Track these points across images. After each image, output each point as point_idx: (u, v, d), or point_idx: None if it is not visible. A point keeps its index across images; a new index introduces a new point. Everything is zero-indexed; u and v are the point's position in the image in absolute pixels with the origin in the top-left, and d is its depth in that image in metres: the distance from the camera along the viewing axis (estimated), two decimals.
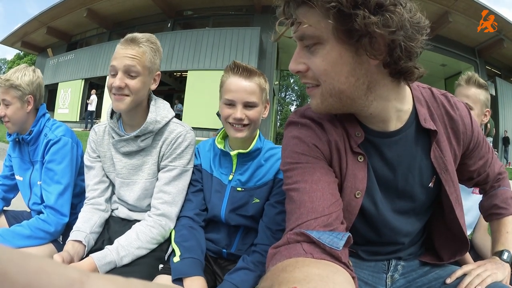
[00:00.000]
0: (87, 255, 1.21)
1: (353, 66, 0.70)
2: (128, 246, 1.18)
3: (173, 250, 1.17)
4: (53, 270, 0.20)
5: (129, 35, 1.27)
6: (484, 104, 1.66)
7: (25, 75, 1.49)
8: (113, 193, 1.43)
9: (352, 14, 0.62)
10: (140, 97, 1.28)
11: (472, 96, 1.64)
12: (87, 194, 1.38)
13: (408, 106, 0.83)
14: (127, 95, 1.24)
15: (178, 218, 1.28)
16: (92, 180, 1.38)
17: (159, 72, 1.35)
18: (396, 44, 0.66)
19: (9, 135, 1.58)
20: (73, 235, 1.23)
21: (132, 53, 1.22)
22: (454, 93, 1.63)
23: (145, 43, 1.25)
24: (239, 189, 1.26)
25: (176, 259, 1.12)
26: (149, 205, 1.34)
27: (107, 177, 1.41)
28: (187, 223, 1.24)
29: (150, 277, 1.14)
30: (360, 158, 0.83)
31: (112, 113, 1.38)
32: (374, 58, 0.68)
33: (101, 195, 1.37)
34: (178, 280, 1.07)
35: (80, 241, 1.22)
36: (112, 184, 1.42)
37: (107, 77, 1.28)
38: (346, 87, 0.72)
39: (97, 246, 1.28)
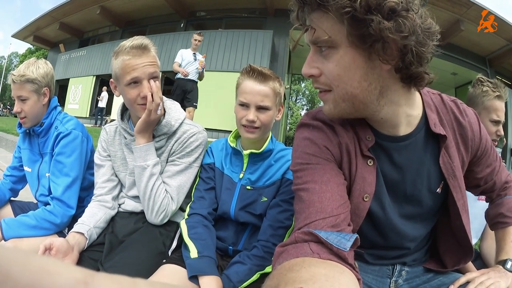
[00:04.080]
0: (87, 248, 1.23)
1: (365, 71, 0.71)
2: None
3: (185, 245, 1.18)
4: (57, 270, 0.20)
5: (135, 43, 1.24)
6: None
7: (39, 67, 1.51)
8: (120, 191, 1.44)
9: (366, 19, 0.63)
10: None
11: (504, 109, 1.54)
12: (95, 191, 1.40)
13: (418, 112, 0.83)
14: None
15: (190, 214, 1.28)
16: (100, 178, 1.40)
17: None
18: (407, 49, 0.66)
19: (20, 126, 1.60)
20: (76, 227, 1.24)
21: (149, 61, 1.25)
22: (478, 105, 1.55)
23: (153, 47, 1.28)
24: (248, 187, 1.28)
25: (193, 255, 1.12)
26: None
27: (116, 176, 1.43)
28: (200, 220, 1.25)
29: (151, 272, 1.12)
30: (370, 162, 0.83)
31: (122, 114, 1.40)
32: (387, 63, 0.69)
33: (108, 193, 1.38)
34: (193, 278, 1.07)
35: (82, 233, 1.22)
36: (120, 183, 1.44)
37: (124, 89, 1.26)
38: (359, 91, 0.73)
39: (99, 240, 1.29)
